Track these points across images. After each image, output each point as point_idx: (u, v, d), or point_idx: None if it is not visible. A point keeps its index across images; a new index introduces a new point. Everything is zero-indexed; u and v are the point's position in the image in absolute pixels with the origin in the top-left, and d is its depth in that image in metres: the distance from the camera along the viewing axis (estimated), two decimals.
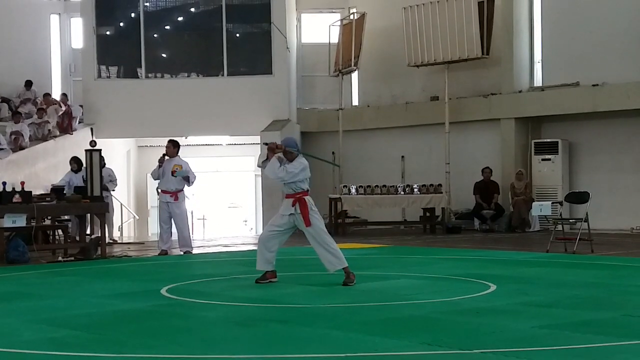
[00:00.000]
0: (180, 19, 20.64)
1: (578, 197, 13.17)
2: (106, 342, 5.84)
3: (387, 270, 10.40)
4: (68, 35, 22.52)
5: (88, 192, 13.13)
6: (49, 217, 14.27)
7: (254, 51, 19.97)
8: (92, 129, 18.50)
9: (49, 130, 18.44)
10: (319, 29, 21.21)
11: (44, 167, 17.29)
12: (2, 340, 5.88)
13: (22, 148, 17.29)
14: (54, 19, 22.53)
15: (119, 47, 20.40)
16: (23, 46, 21.44)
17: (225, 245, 15.27)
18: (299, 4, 21.27)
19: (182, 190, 13.20)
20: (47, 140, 18.13)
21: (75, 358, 5.37)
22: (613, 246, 13.51)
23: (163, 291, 8.43)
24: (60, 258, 12.50)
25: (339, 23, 20.44)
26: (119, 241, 16.21)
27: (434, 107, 19.31)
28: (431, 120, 19.26)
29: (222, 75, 19.77)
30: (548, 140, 18.06)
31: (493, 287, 8.39)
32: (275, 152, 8.88)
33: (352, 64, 19.35)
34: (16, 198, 12.17)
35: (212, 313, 7.10)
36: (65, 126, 18.76)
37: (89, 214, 13.67)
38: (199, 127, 19.89)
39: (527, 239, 15.78)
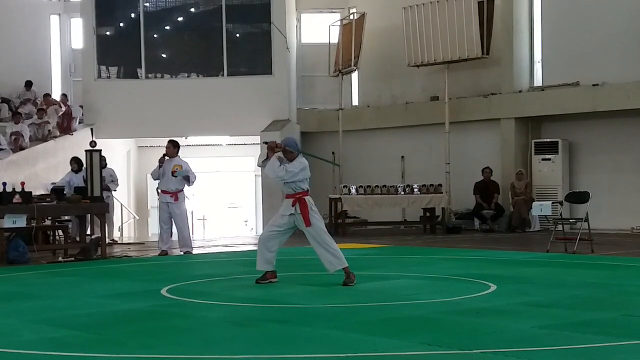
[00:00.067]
0: (180, 19, 20.64)
1: (578, 197, 13.17)
2: (106, 342, 5.84)
3: (387, 270, 10.39)
4: (68, 35, 22.52)
5: (88, 192, 13.13)
6: (49, 218, 14.27)
7: (254, 51, 19.98)
8: (92, 129, 18.52)
9: (49, 130, 18.45)
10: (319, 29, 21.21)
11: (44, 168, 17.29)
12: (2, 340, 5.88)
13: (22, 148, 17.30)
14: (54, 19, 22.53)
15: (119, 47, 20.40)
16: (23, 46, 21.45)
17: (225, 246, 15.27)
18: (299, 4, 21.27)
19: (182, 190, 13.21)
20: (47, 141, 18.13)
21: (75, 358, 5.37)
22: (613, 246, 13.51)
23: (163, 291, 8.44)
24: (60, 258, 12.50)
25: (339, 23, 20.44)
26: (119, 241, 16.22)
27: (434, 107, 19.30)
28: (431, 120, 19.26)
29: (222, 75, 19.77)
30: (548, 140, 18.06)
31: (493, 287, 8.39)
32: (275, 151, 8.88)
33: (352, 64, 19.35)
34: (16, 198, 12.17)
35: (212, 313, 7.10)
36: (65, 126, 18.76)
37: (89, 214, 13.67)
38: (199, 127, 19.89)
39: (527, 239, 15.78)
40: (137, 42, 19.66)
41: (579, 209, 14.32)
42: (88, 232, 14.04)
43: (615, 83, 16.79)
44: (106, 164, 15.76)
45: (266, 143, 9.08)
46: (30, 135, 17.85)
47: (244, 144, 22.23)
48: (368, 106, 20.87)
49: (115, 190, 16.33)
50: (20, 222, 11.96)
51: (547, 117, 18.18)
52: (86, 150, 13.60)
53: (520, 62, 18.40)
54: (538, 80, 18.45)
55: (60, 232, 14.62)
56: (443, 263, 11.23)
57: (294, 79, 20.79)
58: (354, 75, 20.98)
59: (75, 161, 14.88)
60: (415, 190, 17.43)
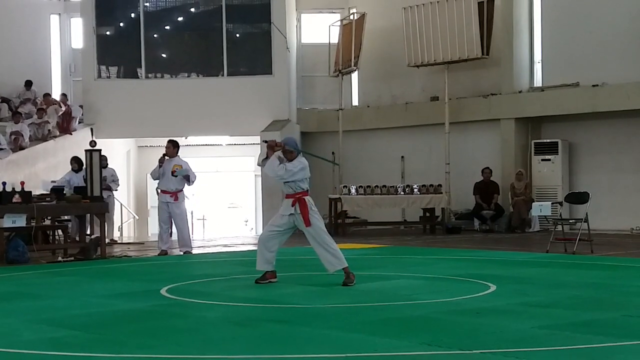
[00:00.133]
0: (180, 19, 20.64)
1: (578, 198, 13.17)
2: (106, 342, 5.84)
3: (387, 270, 10.39)
4: (68, 35, 22.52)
5: (88, 192, 13.13)
6: (49, 217, 14.27)
7: (254, 51, 19.98)
8: (92, 129, 18.53)
9: (49, 130, 18.44)
10: (319, 29, 21.21)
11: (44, 167, 17.28)
12: (2, 340, 5.88)
13: (22, 148, 17.30)
14: (54, 19, 22.53)
15: (119, 47, 20.39)
16: (23, 46, 21.45)
17: (225, 246, 15.27)
18: (299, 4, 21.27)
19: (182, 190, 13.21)
20: (47, 141, 18.13)
21: (75, 358, 5.37)
22: (613, 246, 13.51)
23: (163, 291, 8.43)
24: (60, 258, 12.50)
25: (339, 23, 20.44)
26: (118, 241, 16.22)
27: (434, 107, 19.30)
28: (431, 121, 19.26)
29: (222, 75, 19.77)
30: (548, 140, 18.06)
31: (493, 288, 8.39)
32: (275, 150, 8.88)
33: (352, 64, 19.34)
34: (16, 198, 12.16)
35: (212, 313, 7.10)
36: (65, 126, 18.75)
37: (88, 214, 13.67)
38: (199, 127, 19.89)
39: (527, 239, 15.78)
40: (137, 42, 19.65)
41: (579, 210, 14.31)
42: (88, 232, 14.04)
43: (615, 83, 16.79)
44: (107, 164, 15.79)
45: (266, 142, 9.08)
46: (30, 135, 17.84)
47: (244, 144, 22.24)
48: (368, 106, 20.86)
49: (116, 190, 16.36)
50: (20, 221, 11.96)
51: (547, 117, 18.18)
52: (86, 150, 13.60)
53: (520, 62, 18.40)
54: (538, 81, 18.45)
55: (59, 231, 14.62)
56: (443, 263, 11.23)
57: (294, 79, 20.79)
58: (354, 76, 20.98)
59: (76, 161, 14.88)
60: (415, 190, 17.42)
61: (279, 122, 18.95)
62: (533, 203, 14.50)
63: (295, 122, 20.15)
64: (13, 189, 12.48)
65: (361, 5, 20.38)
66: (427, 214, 17.95)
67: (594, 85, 17.08)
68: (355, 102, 21.44)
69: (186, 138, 20.10)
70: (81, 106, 19.87)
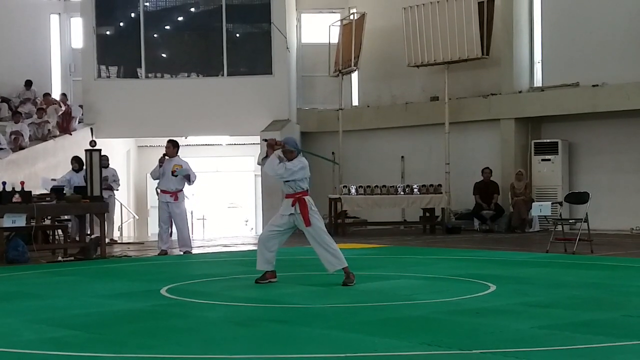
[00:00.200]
0: (180, 19, 20.64)
1: (578, 198, 13.17)
2: (106, 342, 5.84)
3: (386, 270, 10.39)
4: (68, 35, 22.53)
5: (88, 192, 13.13)
6: (49, 217, 14.27)
7: (254, 51, 19.98)
8: (92, 129, 18.53)
9: (49, 130, 18.45)
10: (319, 29, 21.21)
11: (44, 167, 17.28)
12: (2, 340, 5.88)
13: (22, 148, 17.30)
14: (54, 19, 22.53)
15: (119, 47, 20.39)
16: (23, 46, 21.45)
17: (225, 245, 15.27)
18: (299, 4, 21.27)
19: (182, 190, 13.21)
20: (47, 140, 18.13)
21: (75, 358, 5.37)
22: (613, 246, 13.51)
23: (163, 291, 8.43)
24: (60, 258, 12.51)
25: (339, 23, 20.44)
26: (118, 241, 16.22)
27: (434, 107, 19.31)
28: (431, 121, 19.26)
29: (222, 75, 19.77)
30: (548, 140, 18.06)
31: (493, 288, 8.39)
32: (275, 149, 8.88)
33: (352, 64, 19.35)
34: (16, 198, 12.16)
35: (212, 313, 7.10)
36: (65, 126, 18.76)
37: (88, 214, 13.67)
38: (199, 127, 19.90)
39: (527, 239, 15.78)
40: (137, 41, 19.66)
41: (579, 210, 14.31)
42: (88, 231, 14.04)
43: (615, 83, 16.80)
44: (108, 164, 15.83)
45: (266, 140, 9.09)
46: (30, 135, 17.85)
47: (244, 144, 22.24)
48: (368, 106, 20.86)
49: (117, 190, 16.38)
50: (20, 221, 11.96)
51: (547, 117, 18.19)
52: (86, 150, 13.60)
53: (520, 62, 18.41)
54: (538, 81, 18.46)
55: (59, 231, 14.62)
56: (443, 263, 11.23)
57: (294, 79, 20.79)
58: (354, 76, 20.98)
59: (76, 160, 14.88)
60: (415, 190, 17.42)
61: (279, 122, 18.95)
62: (533, 203, 14.49)
63: (295, 122, 20.15)
64: (13, 188, 12.48)
65: (361, 5, 20.38)
66: (427, 214, 17.95)
67: (594, 85, 17.08)
68: (355, 102, 21.45)
69: (186, 138, 20.10)
70: (81, 106, 19.87)
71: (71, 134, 18.67)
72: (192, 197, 19.32)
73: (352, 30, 19.39)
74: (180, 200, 13.14)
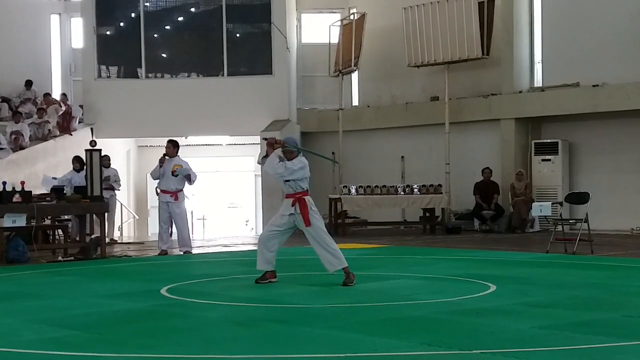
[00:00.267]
0: (180, 19, 20.64)
1: (578, 198, 13.17)
2: (106, 342, 5.84)
3: (386, 270, 10.39)
4: (68, 35, 22.52)
5: (88, 191, 13.13)
6: (49, 217, 14.27)
7: (254, 51, 19.98)
8: (92, 129, 18.49)
9: (49, 130, 18.45)
10: (319, 29, 21.21)
11: (44, 167, 17.27)
12: (2, 340, 5.88)
13: (22, 148, 17.30)
14: (54, 19, 22.53)
15: (119, 47, 20.39)
16: (23, 46, 21.45)
17: (225, 245, 15.27)
18: (299, 4, 21.27)
19: (182, 190, 13.22)
20: (47, 140, 18.13)
21: (75, 358, 5.37)
22: (613, 247, 13.51)
23: (163, 291, 8.43)
24: (60, 258, 12.51)
25: (339, 23, 20.44)
26: (118, 241, 16.22)
27: (434, 107, 19.31)
28: (431, 121, 19.26)
29: (222, 75, 19.77)
30: (548, 140, 18.06)
31: (493, 288, 8.39)
32: (275, 148, 8.89)
33: (352, 64, 19.35)
34: (16, 198, 12.17)
35: (212, 313, 7.10)
36: (65, 126, 18.76)
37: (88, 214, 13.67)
38: (199, 127, 19.90)
39: (527, 239, 15.78)
40: (137, 41, 19.66)
41: (579, 210, 14.31)
42: (88, 231, 14.04)
43: (615, 83, 16.79)
44: (110, 164, 15.84)
45: (266, 139, 9.10)
46: (30, 135, 17.85)
47: (244, 144, 22.24)
48: (368, 106, 20.86)
49: (119, 190, 16.40)
50: (20, 221, 11.96)
51: (547, 117, 18.18)
52: (86, 150, 13.60)
53: (520, 62, 18.41)
54: (538, 81, 18.45)
55: (60, 231, 14.62)
56: (443, 263, 11.23)
57: (294, 79, 20.79)
58: (354, 76, 20.98)
59: (77, 160, 14.89)
60: (415, 190, 17.42)
61: (279, 122, 18.95)
62: (533, 203, 14.50)
63: (295, 122, 20.15)
64: (13, 188, 12.48)
65: (361, 5, 20.38)
66: (427, 214, 17.94)
67: (594, 86, 17.08)
68: (355, 102, 21.45)
69: (186, 138, 20.10)
70: (81, 106, 19.87)
71: (71, 134, 18.67)
72: (192, 197, 19.32)
73: (352, 30, 19.39)
74: (180, 200, 13.14)
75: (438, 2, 18.24)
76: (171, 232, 13.42)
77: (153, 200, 19.03)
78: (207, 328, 6.34)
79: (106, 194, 14.76)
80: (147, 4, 19.90)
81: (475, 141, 19.06)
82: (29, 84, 20.84)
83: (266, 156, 8.98)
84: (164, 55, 20.69)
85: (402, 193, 17.40)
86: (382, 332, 6.04)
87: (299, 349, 5.55)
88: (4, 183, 12.42)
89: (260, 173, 19.44)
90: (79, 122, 19.41)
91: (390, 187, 17.52)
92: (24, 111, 19.29)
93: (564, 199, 13.65)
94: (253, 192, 23.45)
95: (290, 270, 9.98)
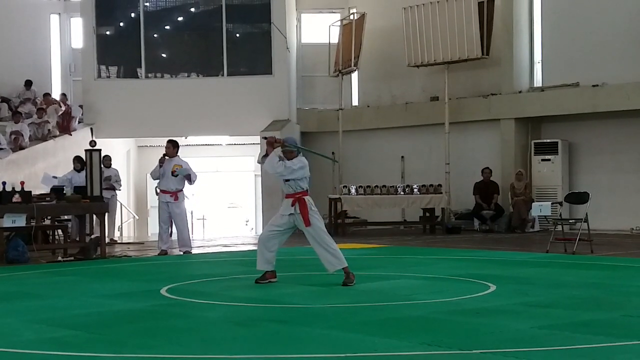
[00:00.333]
0: (180, 19, 20.64)
1: (578, 198, 13.17)
2: (106, 342, 5.84)
3: (386, 270, 10.39)
4: (68, 35, 22.52)
5: (88, 192, 13.13)
6: (49, 217, 14.26)
7: (254, 51, 19.97)
8: (92, 129, 18.53)
9: (49, 130, 18.44)
10: (319, 29, 21.21)
11: (44, 167, 17.26)
12: (2, 340, 5.88)
13: (22, 148, 17.30)
14: (54, 19, 22.53)
15: (119, 47, 20.39)
16: (23, 46, 21.44)
17: (225, 245, 15.27)
18: (299, 4, 21.27)
19: (182, 190, 13.22)
20: (47, 140, 18.13)
21: (75, 358, 5.37)
22: (613, 247, 13.51)
23: (163, 291, 8.43)
24: (60, 258, 12.51)
25: (339, 23, 20.45)
26: (118, 241, 16.22)
27: (434, 107, 19.31)
28: (431, 121, 19.26)
29: (222, 75, 19.77)
30: (548, 140, 18.06)
31: (493, 288, 8.39)
32: (275, 147, 8.89)
33: (352, 64, 19.35)
34: (16, 198, 12.17)
35: (212, 313, 7.10)
36: (65, 126, 18.76)
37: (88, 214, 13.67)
38: (199, 127, 19.90)
39: (527, 239, 15.78)
40: (137, 41, 19.66)
41: (579, 210, 14.32)
42: (88, 231, 14.04)
43: (615, 83, 16.80)
44: (111, 164, 15.85)
45: (265, 138, 9.10)
46: (30, 135, 17.84)
47: (244, 144, 22.24)
48: (368, 106, 20.87)
49: (119, 190, 16.41)
50: (20, 221, 11.96)
51: (547, 117, 18.19)
52: (86, 150, 13.61)
53: (520, 62, 18.41)
54: (538, 81, 18.46)
55: (59, 231, 14.62)
56: (443, 263, 11.23)
57: (294, 79, 20.79)
58: (354, 76, 20.99)
59: (78, 160, 14.90)
60: (415, 190, 17.42)
61: (279, 122, 18.95)
62: (533, 203, 14.50)
63: (295, 122, 20.15)
64: (13, 188, 12.48)
65: (361, 5, 20.38)
66: (427, 214, 17.95)
67: (594, 86, 17.08)
68: (355, 102, 21.45)
69: (186, 138, 20.10)
70: (81, 106, 19.87)
71: (71, 134, 18.67)
72: (192, 197, 19.32)
73: (352, 30, 19.39)
74: (180, 200, 13.15)
75: (438, 2, 18.24)
76: (171, 232, 13.42)
77: (153, 200, 19.03)
78: (206, 328, 6.34)
79: (107, 194, 14.78)
80: (147, 4, 19.90)
81: (475, 141, 19.07)
82: (28, 84, 20.84)
83: (266, 155, 8.98)
84: (163, 55, 20.69)
85: (402, 193, 17.41)
86: (382, 332, 6.04)
87: (299, 349, 5.55)
88: (4, 183, 12.42)
89: (260, 173, 19.44)
90: (79, 122, 19.41)
91: (390, 187, 17.52)
92: (24, 111, 19.29)
93: (564, 198, 13.65)
94: (253, 192, 23.45)
95: (290, 270, 9.98)
